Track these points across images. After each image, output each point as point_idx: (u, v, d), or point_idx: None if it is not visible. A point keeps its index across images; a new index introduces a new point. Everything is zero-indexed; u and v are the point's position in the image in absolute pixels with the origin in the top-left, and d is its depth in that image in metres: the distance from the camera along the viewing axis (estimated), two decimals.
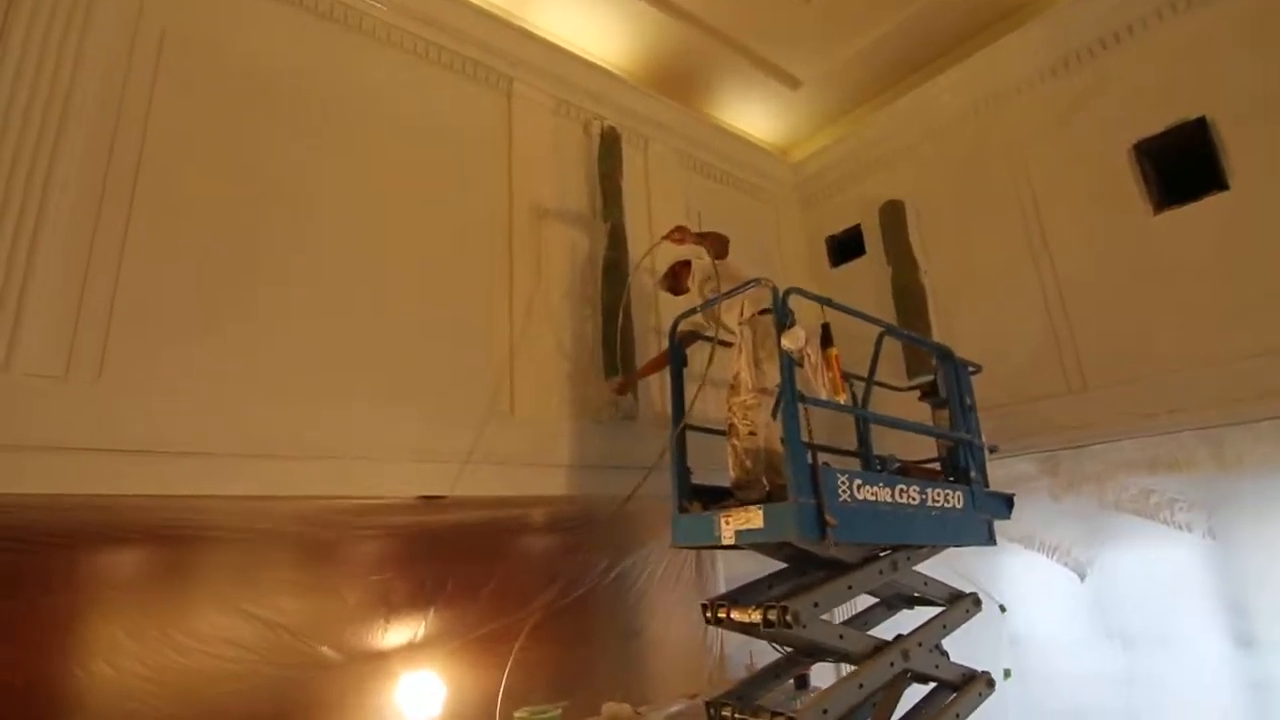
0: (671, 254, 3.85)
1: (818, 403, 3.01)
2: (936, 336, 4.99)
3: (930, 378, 4.53)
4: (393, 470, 3.40)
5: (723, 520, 3.03)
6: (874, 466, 3.58)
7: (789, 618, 2.73)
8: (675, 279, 3.81)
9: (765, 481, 3.32)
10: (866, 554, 3.30)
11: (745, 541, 2.97)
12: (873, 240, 5.69)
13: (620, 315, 4.31)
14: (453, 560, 3.47)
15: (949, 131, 5.28)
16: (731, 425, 3.36)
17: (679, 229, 3.60)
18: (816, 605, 2.87)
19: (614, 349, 4.33)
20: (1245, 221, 3.80)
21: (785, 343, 2.98)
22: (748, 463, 3.26)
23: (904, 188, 5.49)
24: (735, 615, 2.98)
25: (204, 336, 3.09)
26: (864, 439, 3.58)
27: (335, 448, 3.25)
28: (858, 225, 5.86)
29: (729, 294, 3.33)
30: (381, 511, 3.35)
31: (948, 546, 3.58)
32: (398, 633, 3.23)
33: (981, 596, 3.71)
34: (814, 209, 6.23)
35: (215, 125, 3.38)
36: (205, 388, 3.03)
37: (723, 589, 4.52)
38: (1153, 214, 4.17)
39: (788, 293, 3.11)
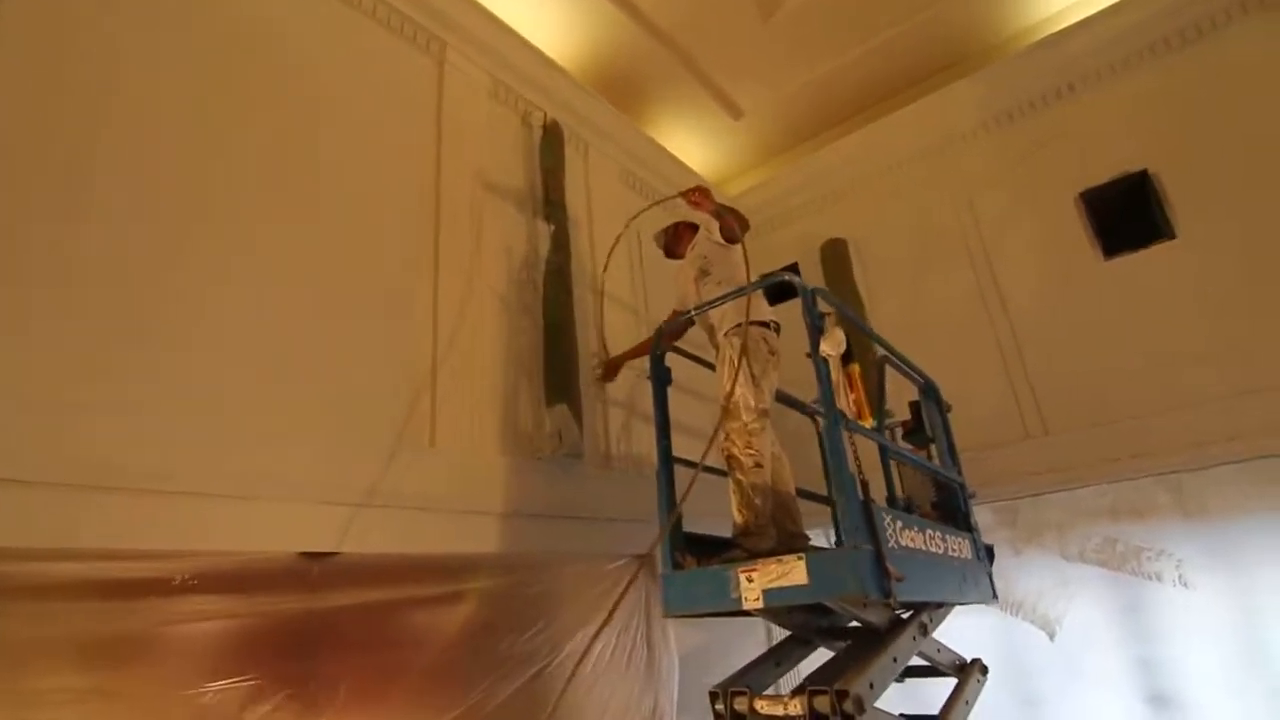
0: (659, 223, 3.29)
1: (858, 429, 2.45)
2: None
3: (898, 419, 4.21)
4: (267, 514, 2.34)
5: (743, 577, 2.32)
6: (899, 509, 3.07)
7: (848, 707, 2.05)
8: (675, 239, 3.17)
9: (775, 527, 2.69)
10: (891, 617, 2.72)
11: (777, 603, 2.27)
12: (812, 278, 5.42)
13: (569, 330, 3.59)
14: (347, 649, 2.40)
15: (894, 174, 5.22)
16: (731, 457, 2.70)
17: (699, 189, 3.02)
18: (872, 687, 2.21)
19: (558, 369, 3.56)
20: (1196, 268, 3.89)
21: (825, 347, 2.43)
22: (758, 501, 2.61)
23: (847, 228, 5.32)
24: (764, 707, 2.24)
25: None
26: (888, 475, 3.06)
27: (179, 477, 2.16)
28: (795, 264, 5.59)
29: (726, 296, 2.75)
30: (242, 576, 2.26)
31: (959, 604, 3.11)
32: None
33: None
34: (747, 245, 5.90)
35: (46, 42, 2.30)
36: None
37: (676, 671, 3.71)
38: (1104, 259, 4.21)
39: (814, 291, 2.59)
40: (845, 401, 2.60)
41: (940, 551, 2.79)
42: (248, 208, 2.72)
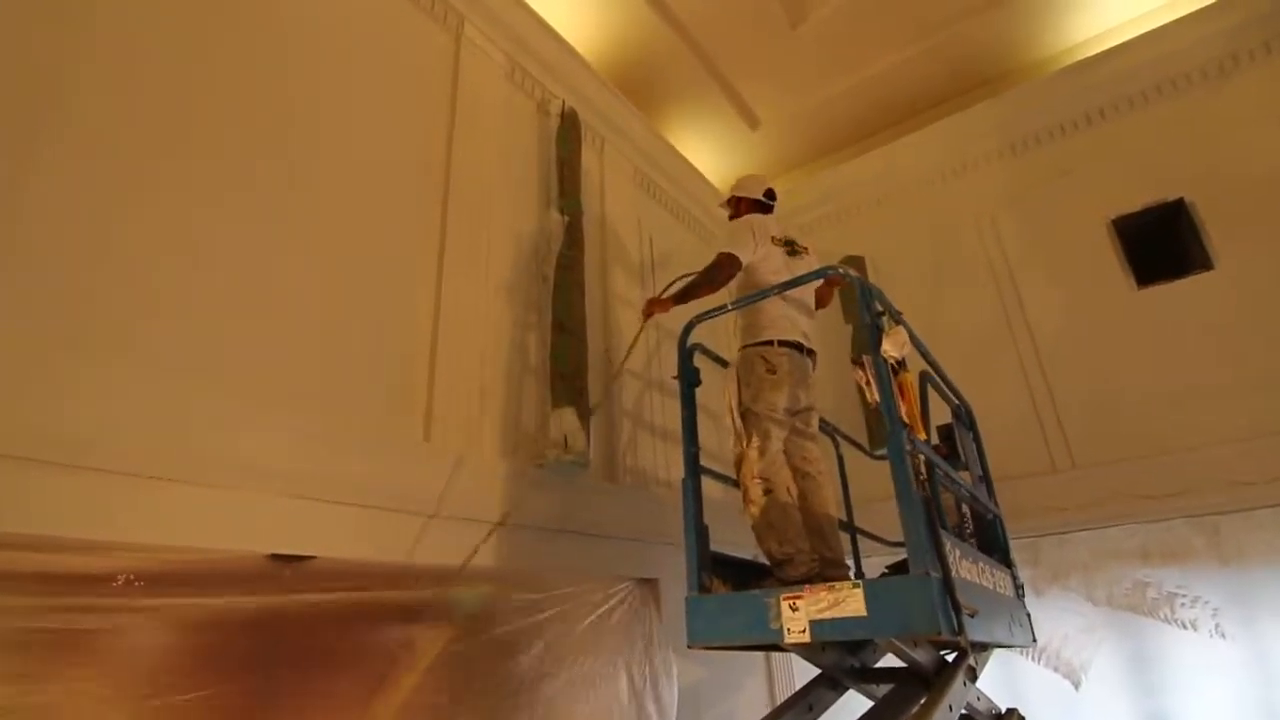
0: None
1: (920, 446, 2.19)
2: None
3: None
4: (234, 506, 1.99)
5: (786, 605, 2.02)
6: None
7: None
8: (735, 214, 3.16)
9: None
10: (937, 659, 2.43)
11: (826, 637, 1.97)
12: None
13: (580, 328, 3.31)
14: (320, 666, 2.05)
15: (915, 193, 5.06)
16: (739, 482, 2.47)
17: (648, 305, 2.99)
18: None
19: (566, 370, 3.26)
20: (1235, 300, 3.74)
21: (887, 348, 2.16)
22: (775, 522, 2.37)
23: (864, 245, 5.13)
24: None
25: None
26: (937, 498, 2.78)
27: (128, 455, 1.82)
28: None
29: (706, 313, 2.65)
30: (202, 577, 1.90)
31: (1006, 647, 2.83)
32: None
33: None
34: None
35: None
36: None
37: (675, 707, 3.36)
38: (1136, 289, 4.05)
39: (871, 288, 2.34)
40: (901, 415, 2.33)
41: (990, 586, 2.53)
42: (238, 173, 2.40)
